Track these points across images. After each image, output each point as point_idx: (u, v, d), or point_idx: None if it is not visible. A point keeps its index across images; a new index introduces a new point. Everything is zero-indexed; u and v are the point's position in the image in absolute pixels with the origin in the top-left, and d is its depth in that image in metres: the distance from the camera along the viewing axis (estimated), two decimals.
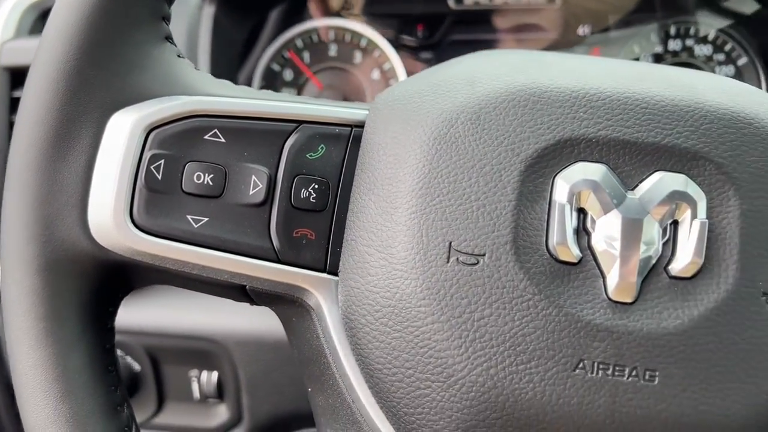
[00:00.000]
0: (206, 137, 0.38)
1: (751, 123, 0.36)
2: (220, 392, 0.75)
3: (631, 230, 0.34)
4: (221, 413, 0.76)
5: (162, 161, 0.37)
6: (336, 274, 0.38)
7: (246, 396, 0.73)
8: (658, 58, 0.81)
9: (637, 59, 0.81)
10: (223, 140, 0.38)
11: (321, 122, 0.39)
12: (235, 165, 0.38)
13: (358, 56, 0.82)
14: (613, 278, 0.34)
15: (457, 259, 0.34)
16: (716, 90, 0.37)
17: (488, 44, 0.83)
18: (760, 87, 0.79)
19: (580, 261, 0.34)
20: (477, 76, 0.38)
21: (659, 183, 0.35)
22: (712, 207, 0.35)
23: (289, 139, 0.39)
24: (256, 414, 0.73)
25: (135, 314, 0.72)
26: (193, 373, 0.75)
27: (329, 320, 0.38)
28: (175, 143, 0.38)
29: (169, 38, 0.41)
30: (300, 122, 0.39)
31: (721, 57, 0.81)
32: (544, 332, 0.33)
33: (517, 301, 0.34)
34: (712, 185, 0.35)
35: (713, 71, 0.81)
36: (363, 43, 0.82)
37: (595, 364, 0.33)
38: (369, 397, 0.37)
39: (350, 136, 0.39)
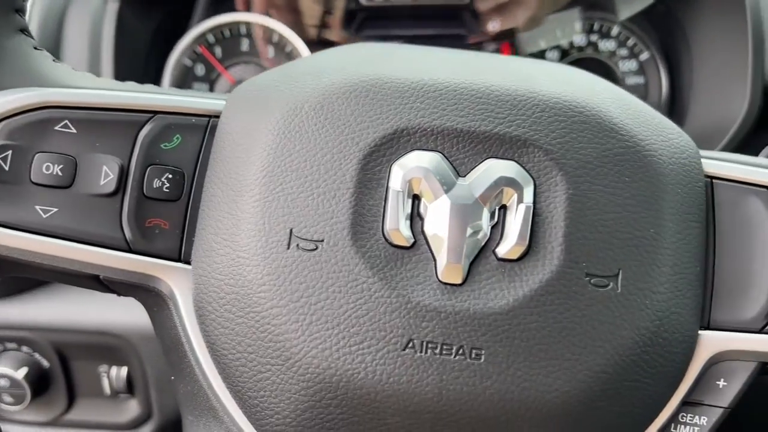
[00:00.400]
0: (57, 128, 0.38)
1: (581, 111, 0.37)
2: (130, 387, 0.75)
3: (459, 215, 0.35)
4: (132, 408, 0.76)
5: (9, 152, 0.38)
6: (190, 263, 0.39)
7: (154, 391, 0.73)
8: (564, 54, 0.84)
9: (543, 54, 0.83)
10: (74, 131, 0.39)
11: (177, 112, 0.40)
12: (86, 155, 0.38)
13: (270, 51, 0.83)
14: (442, 261, 0.35)
15: (297, 245, 0.35)
16: (554, 80, 0.39)
17: (403, 41, 0.84)
18: (660, 81, 0.82)
19: (413, 245, 0.36)
20: (326, 67, 0.39)
21: (489, 170, 0.36)
22: (541, 192, 0.36)
23: (143, 129, 0.39)
24: (165, 409, 0.73)
25: (40, 310, 0.72)
26: (103, 368, 0.75)
27: (183, 309, 0.38)
28: (23, 134, 0.38)
29: (24, 30, 0.41)
30: (155, 112, 0.40)
31: (624, 52, 0.83)
32: (377, 314, 0.34)
33: (352, 284, 0.35)
34: (540, 171, 0.36)
35: (617, 66, 0.83)
36: (275, 38, 0.83)
37: (424, 344, 0.34)
38: (221, 383, 0.38)
39: (207, 127, 0.40)
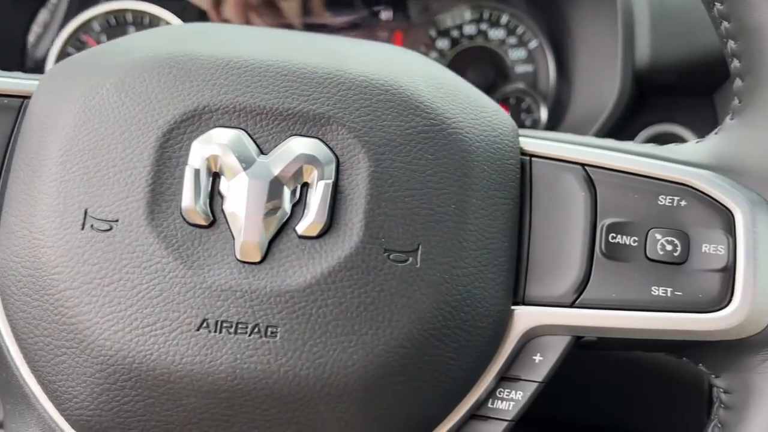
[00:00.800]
0: None
1: (388, 90, 0.37)
2: None
3: (257, 192, 0.35)
4: None
5: None
6: None
7: None
8: (454, 43, 0.84)
9: (434, 42, 0.84)
10: None
11: None
12: None
13: None
14: (239, 239, 0.35)
15: (92, 225, 0.35)
16: (365, 58, 0.39)
17: (311, 29, 0.84)
18: (548, 68, 0.83)
19: (213, 224, 0.35)
20: (136, 45, 0.39)
21: (291, 147, 0.36)
22: (344, 170, 0.36)
23: None
24: None
25: None
26: None
27: None
28: None
29: None
30: None
31: (513, 41, 0.84)
32: (171, 294, 0.34)
33: (146, 264, 0.34)
34: (344, 149, 0.36)
35: (506, 54, 0.84)
36: (162, 26, 0.81)
37: (219, 323, 0.34)
38: (27, 368, 0.37)
39: (20, 108, 0.39)
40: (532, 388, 0.39)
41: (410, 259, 0.35)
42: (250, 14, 0.83)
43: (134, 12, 0.81)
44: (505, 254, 0.38)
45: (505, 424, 0.39)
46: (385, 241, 0.35)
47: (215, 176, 0.36)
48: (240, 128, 0.36)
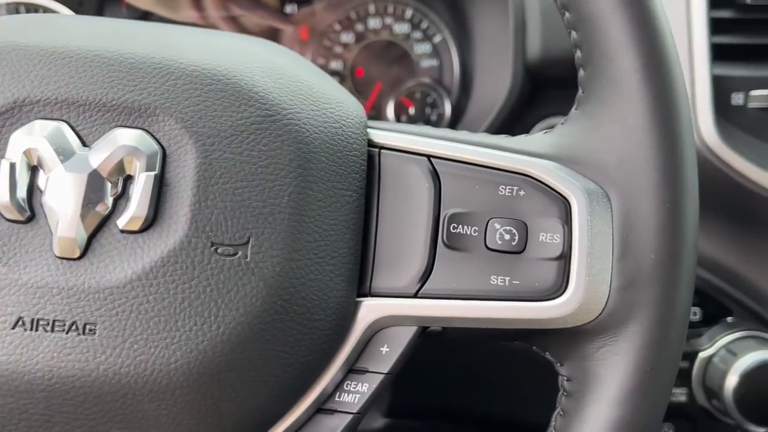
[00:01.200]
0: None
1: (220, 80, 0.37)
2: None
3: (74, 186, 0.34)
4: None
5: None
6: None
7: None
8: (359, 37, 0.84)
9: (338, 36, 0.83)
10: None
11: None
12: None
13: None
14: (56, 235, 0.34)
15: None
16: (200, 48, 0.38)
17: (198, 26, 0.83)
18: (452, 63, 0.83)
19: (32, 219, 0.34)
20: None
21: (113, 138, 0.35)
22: (171, 162, 0.35)
23: None
24: None
25: None
26: None
27: None
28: None
29: None
30: None
31: (418, 35, 0.84)
32: None
33: None
34: (171, 140, 0.35)
35: (412, 49, 0.84)
36: None
37: (35, 321, 0.33)
38: None
39: None
40: (378, 379, 0.39)
41: (240, 252, 0.35)
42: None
43: (27, 5, 0.79)
44: (348, 246, 0.38)
45: (350, 417, 0.38)
46: (212, 234, 0.35)
47: (34, 170, 0.35)
48: (62, 120, 0.35)
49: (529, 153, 0.40)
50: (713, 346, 0.66)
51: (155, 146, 0.35)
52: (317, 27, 0.84)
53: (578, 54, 0.40)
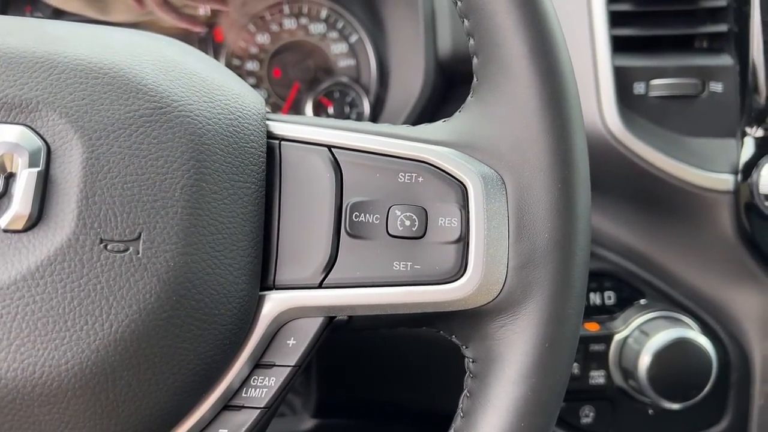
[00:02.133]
0: None
1: (107, 73, 0.36)
2: None
3: None
4: None
5: None
6: None
7: None
8: (274, 37, 0.83)
9: (254, 38, 0.83)
10: None
11: None
12: None
13: None
14: None
15: None
16: (86, 42, 0.37)
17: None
18: (369, 62, 0.84)
19: None
20: None
21: None
22: (56, 158, 0.34)
23: None
24: None
25: None
26: None
27: None
28: None
29: None
30: None
31: (334, 35, 0.84)
32: None
33: None
34: (56, 135, 0.34)
35: (329, 49, 0.84)
36: None
37: None
38: None
39: None
40: (286, 373, 0.38)
41: (131, 248, 0.34)
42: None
43: None
44: (248, 239, 0.37)
45: (257, 411, 0.38)
46: (101, 230, 0.34)
47: None
48: None
49: (427, 141, 0.40)
50: (627, 327, 0.68)
51: (38, 142, 0.34)
52: (231, 28, 0.83)
53: (471, 42, 0.41)
